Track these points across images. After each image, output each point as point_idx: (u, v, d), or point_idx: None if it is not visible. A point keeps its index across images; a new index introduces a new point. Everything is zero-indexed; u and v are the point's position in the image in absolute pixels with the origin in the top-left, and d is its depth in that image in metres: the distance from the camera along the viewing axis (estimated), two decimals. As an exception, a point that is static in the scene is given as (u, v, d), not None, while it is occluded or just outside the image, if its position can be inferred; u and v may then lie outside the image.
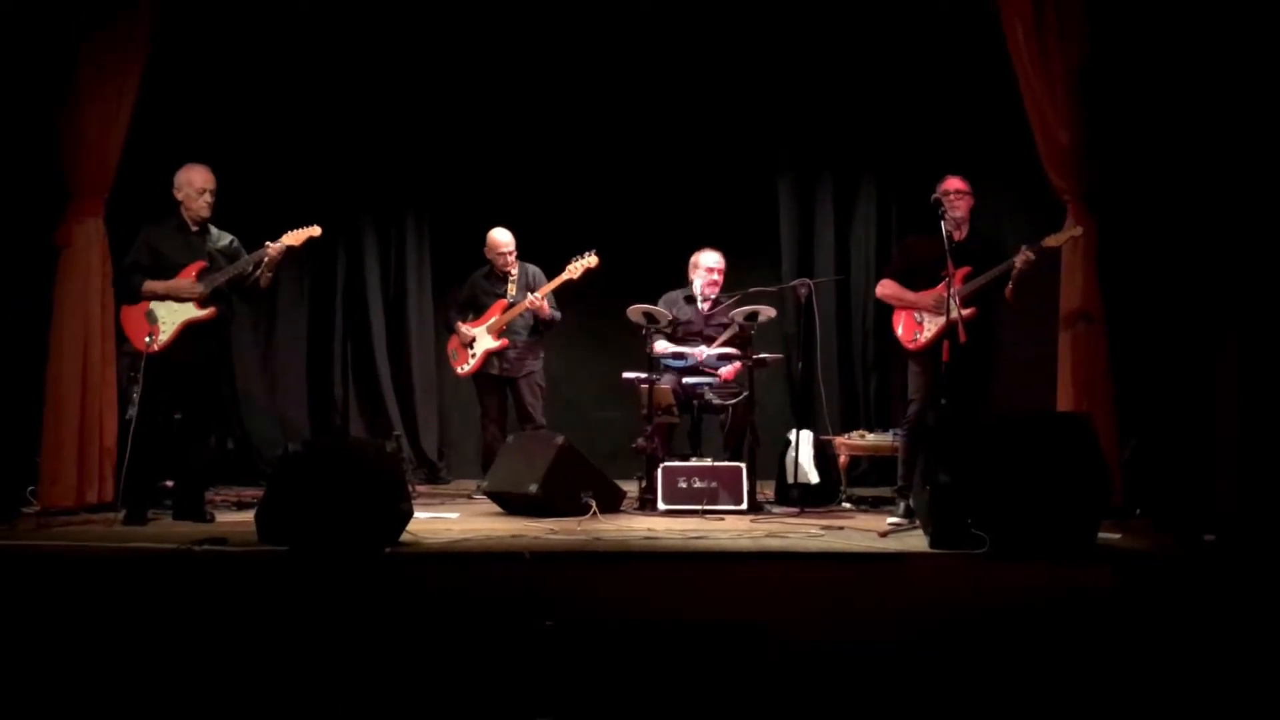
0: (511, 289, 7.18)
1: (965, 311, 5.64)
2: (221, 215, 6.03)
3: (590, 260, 6.95)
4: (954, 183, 5.96)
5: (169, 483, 6.04)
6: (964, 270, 5.79)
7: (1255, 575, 4.59)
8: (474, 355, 7.15)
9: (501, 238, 7.22)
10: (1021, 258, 5.69)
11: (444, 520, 5.92)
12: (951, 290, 5.63)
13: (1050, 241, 5.76)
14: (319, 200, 8.06)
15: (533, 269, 7.28)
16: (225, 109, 7.70)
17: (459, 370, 7.28)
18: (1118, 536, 5.13)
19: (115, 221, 6.27)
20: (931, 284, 5.95)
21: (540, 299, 6.96)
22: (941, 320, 5.79)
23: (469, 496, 7.11)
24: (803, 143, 8.36)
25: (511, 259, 7.20)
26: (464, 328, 7.18)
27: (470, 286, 7.39)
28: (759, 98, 8.22)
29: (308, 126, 8.15)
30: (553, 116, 8.35)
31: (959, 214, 5.93)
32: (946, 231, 5.72)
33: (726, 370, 6.66)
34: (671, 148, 8.35)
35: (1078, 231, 5.82)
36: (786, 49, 8.03)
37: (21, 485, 6.17)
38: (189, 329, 5.72)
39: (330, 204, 8.28)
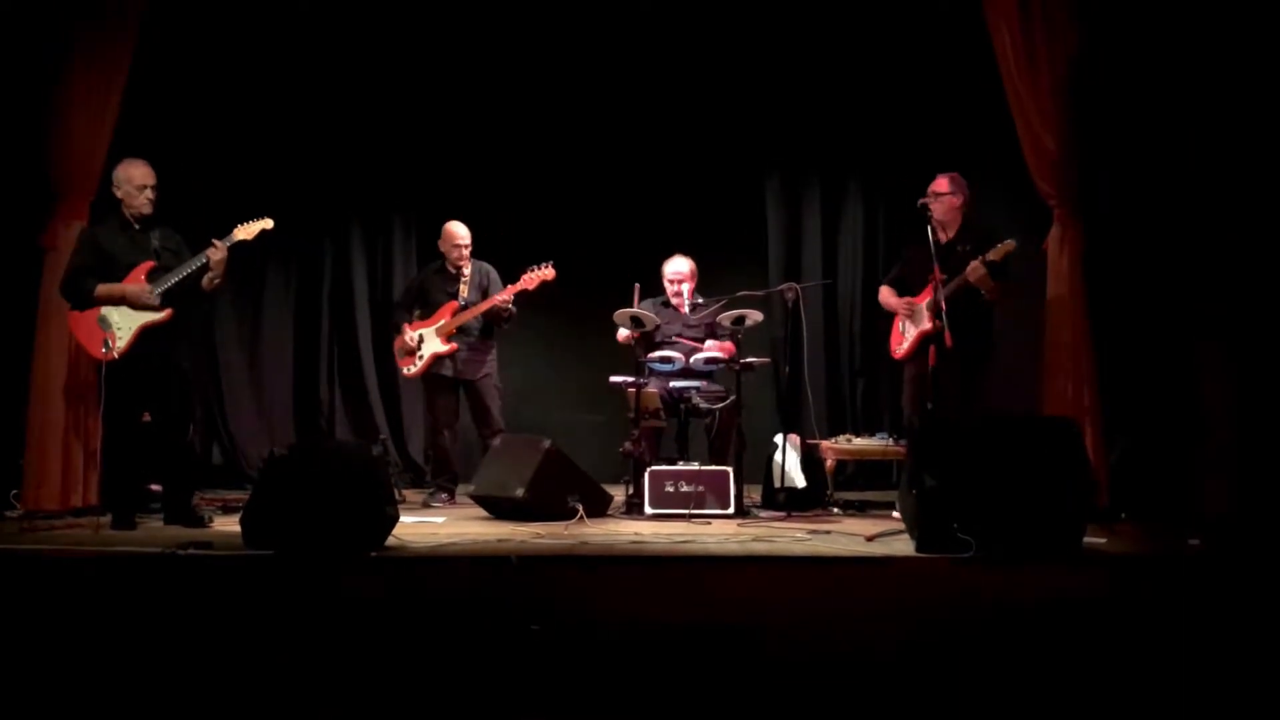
0: (464, 289, 6.95)
1: (926, 326, 5.73)
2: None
3: (547, 272, 6.82)
4: (935, 183, 6.03)
5: (155, 486, 6.01)
6: (943, 277, 5.83)
7: (1242, 579, 4.61)
8: (421, 357, 6.92)
9: (459, 230, 7.01)
10: (970, 269, 5.79)
11: (430, 524, 5.90)
12: (934, 297, 5.68)
13: (991, 256, 5.79)
14: (306, 203, 8.09)
15: (486, 267, 7.09)
16: (212, 112, 7.69)
17: (405, 372, 7.05)
18: (1103, 540, 5.14)
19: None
20: (918, 291, 6.03)
21: (509, 298, 6.80)
22: (916, 329, 5.94)
23: (430, 501, 6.96)
24: (791, 146, 8.37)
25: (466, 254, 7.00)
26: (409, 330, 6.95)
27: (421, 281, 7.21)
28: (747, 101, 8.24)
29: (296, 129, 8.14)
30: (541, 120, 8.34)
31: (937, 216, 5.99)
32: (932, 236, 5.78)
33: (719, 344, 6.66)
34: (659, 151, 8.34)
35: (1011, 245, 5.80)
36: (775, 52, 8.05)
37: (5, 488, 6.15)
38: (146, 332, 5.60)
39: (318, 206, 8.32)
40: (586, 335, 8.10)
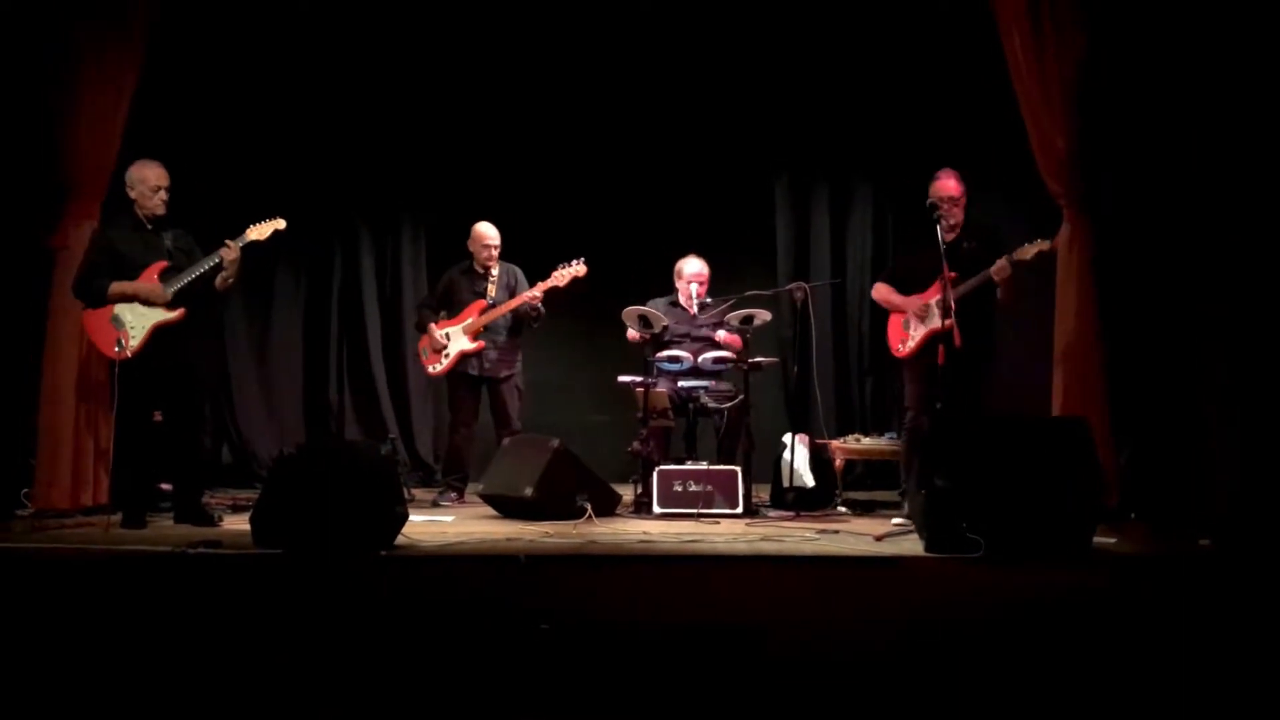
0: (491, 289, 6.99)
1: (937, 325, 5.68)
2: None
3: (578, 269, 6.84)
4: (947, 188, 5.94)
5: (166, 485, 6.03)
6: (953, 276, 5.79)
7: (1252, 579, 4.59)
8: (447, 355, 6.94)
9: (488, 231, 7.03)
10: (998, 269, 5.73)
11: (439, 523, 5.91)
12: (944, 296, 5.64)
13: (1019, 255, 5.75)
14: (315, 203, 8.10)
15: (513, 268, 7.12)
16: (223, 113, 7.71)
17: (430, 370, 7.08)
18: (1113, 540, 5.14)
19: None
20: (923, 289, 6.00)
21: (539, 295, 6.83)
22: (926, 327, 5.89)
23: (439, 500, 6.98)
24: (799, 146, 8.37)
25: (495, 254, 7.02)
26: (436, 329, 6.98)
27: (446, 282, 7.21)
28: (756, 101, 8.24)
29: (306, 131, 8.15)
30: (550, 120, 8.35)
31: (954, 220, 5.95)
32: (941, 236, 5.73)
33: (727, 335, 6.67)
34: (669, 151, 8.35)
35: (1045, 245, 5.80)
36: (784, 53, 8.05)
37: (16, 487, 6.17)
38: (160, 332, 5.62)
39: (327, 207, 8.34)
40: (595, 335, 8.12)
